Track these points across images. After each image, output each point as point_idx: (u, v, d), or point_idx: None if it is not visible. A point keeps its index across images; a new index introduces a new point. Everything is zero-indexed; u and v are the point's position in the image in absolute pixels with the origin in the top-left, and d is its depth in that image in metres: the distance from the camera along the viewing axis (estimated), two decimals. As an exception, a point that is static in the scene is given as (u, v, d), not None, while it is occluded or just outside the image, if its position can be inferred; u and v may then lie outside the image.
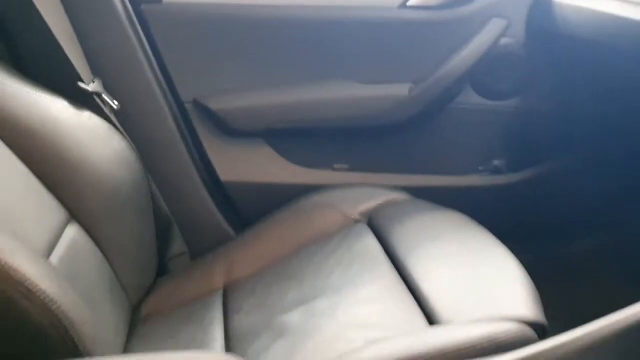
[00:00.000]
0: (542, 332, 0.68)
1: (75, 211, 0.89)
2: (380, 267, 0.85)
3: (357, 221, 1.02)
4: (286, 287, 0.89)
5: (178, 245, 1.15)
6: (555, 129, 1.25)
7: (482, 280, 0.78)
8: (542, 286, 0.76)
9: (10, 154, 0.84)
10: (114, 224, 0.94)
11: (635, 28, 0.91)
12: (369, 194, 1.08)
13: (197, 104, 1.16)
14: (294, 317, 0.80)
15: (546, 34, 1.14)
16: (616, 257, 1.27)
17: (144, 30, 1.10)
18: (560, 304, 0.87)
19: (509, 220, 1.29)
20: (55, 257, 0.79)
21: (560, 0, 1.08)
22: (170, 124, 1.13)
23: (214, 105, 1.16)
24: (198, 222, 1.18)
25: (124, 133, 1.03)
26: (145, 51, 1.10)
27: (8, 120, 0.86)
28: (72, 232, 0.87)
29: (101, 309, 0.84)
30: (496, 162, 1.29)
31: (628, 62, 0.97)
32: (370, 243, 0.92)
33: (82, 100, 0.98)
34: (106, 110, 1.01)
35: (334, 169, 1.25)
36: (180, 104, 1.16)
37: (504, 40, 1.19)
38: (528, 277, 0.77)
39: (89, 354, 0.59)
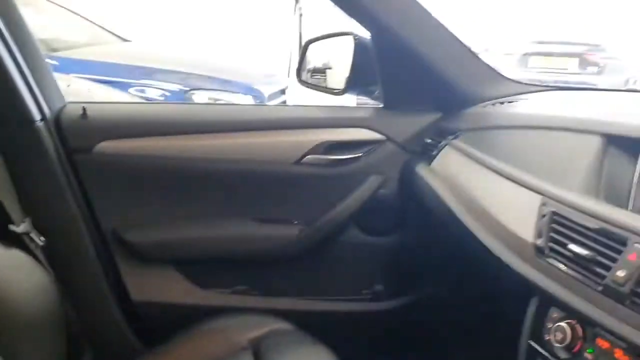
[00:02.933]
0: None
1: None
2: None
3: (244, 349, 1.21)
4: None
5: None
6: (423, 261, 1.48)
7: None
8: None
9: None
10: (29, 345, 1.10)
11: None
12: (257, 322, 1.27)
13: (115, 234, 1.35)
14: None
15: (412, 188, 1.38)
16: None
17: (74, 173, 1.30)
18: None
19: (387, 341, 1.51)
20: None
21: (419, 171, 1.33)
22: (91, 252, 1.32)
23: (130, 236, 1.35)
24: (110, 339, 1.35)
25: (46, 264, 1.21)
26: (73, 191, 1.29)
27: None
28: None
29: None
30: (378, 287, 1.51)
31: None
32: None
33: (11, 238, 1.16)
34: (32, 246, 1.19)
35: (234, 292, 1.44)
36: (101, 235, 1.34)
37: (382, 191, 1.43)
38: None
39: None
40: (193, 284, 1.41)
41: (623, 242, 0.75)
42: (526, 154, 1.06)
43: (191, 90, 3.67)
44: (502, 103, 1.29)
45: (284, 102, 3.97)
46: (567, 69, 6.41)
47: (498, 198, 1.03)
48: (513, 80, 1.39)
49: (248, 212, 1.40)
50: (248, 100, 3.68)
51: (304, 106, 1.54)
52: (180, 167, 1.35)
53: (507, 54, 6.64)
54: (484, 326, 1.35)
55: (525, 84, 1.39)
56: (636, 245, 0.73)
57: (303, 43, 1.60)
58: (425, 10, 1.27)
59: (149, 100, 3.51)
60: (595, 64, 6.42)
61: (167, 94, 3.67)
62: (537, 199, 0.92)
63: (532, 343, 0.89)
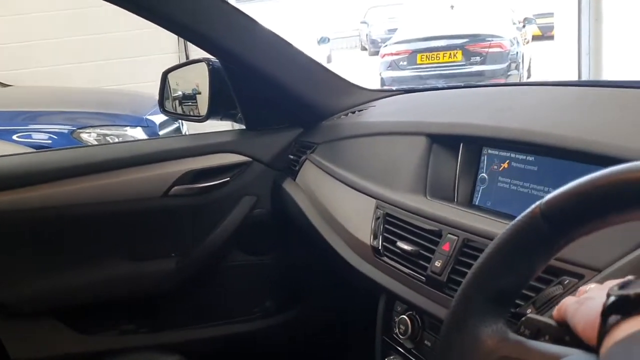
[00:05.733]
0: None
1: None
2: None
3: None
4: None
5: None
6: (303, 273, 1.52)
7: None
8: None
9: None
10: None
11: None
12: None
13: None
14: None
15: (282, 205, 1.42)
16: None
17: None
18: None
19: (280, 356, 1.54)
20: None
21: (285, 187, 1.38)
22: None
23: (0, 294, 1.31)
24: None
25: None
26: None
27: None
28: None
29: None
30: (268, 304, 1.54)
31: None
32: None
33: None
34: None
35: (121, 333, 1.42)
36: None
37: (256, 211, 1.46)
38: None
39: None
40: (77, 332, 1.38)
41: (439, 235, 0.83)
42: (366, 161, 1.12)
43: (79, 129, 3.56)
44: (353, 112, 1.36)
45: (178, 128, 3.93)
46: (453, 62, 6.74)
47: (343, 205, 1.09)
48: (364, 89, 1.46)
49: (122, 252, 1.39)
50: (138, 132, 3.62)
51: (165, 138, 1.56)
52: (44, 217, 1.32)
53: (394, 54, 6.91)
54: (355, 328, 1.41)
55: (375, 90, 1.47)
56: (449, 235, 0.81)
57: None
58: (266, 30, 1.31)
59: (37, 146, 3.38)
60: (478, 54, 6.79)
61: (55, 136, 3.55)
62: (372, 203, 0.98)
63: (385, 337, 0.95)
